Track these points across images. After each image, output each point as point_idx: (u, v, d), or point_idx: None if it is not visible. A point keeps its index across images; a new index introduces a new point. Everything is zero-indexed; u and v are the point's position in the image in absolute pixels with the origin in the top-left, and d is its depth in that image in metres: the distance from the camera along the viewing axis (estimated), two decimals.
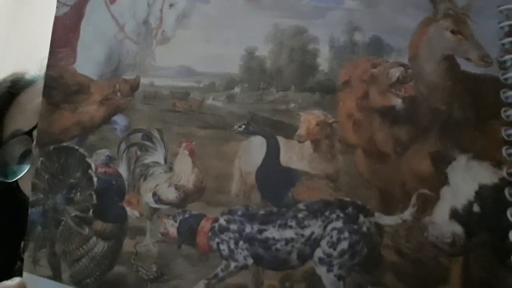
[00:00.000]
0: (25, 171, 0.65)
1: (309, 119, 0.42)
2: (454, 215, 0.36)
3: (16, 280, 0.47)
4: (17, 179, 0.66)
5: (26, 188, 0.58)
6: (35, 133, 0.62)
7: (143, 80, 0.48)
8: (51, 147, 0.50)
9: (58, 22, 0.52)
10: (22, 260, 0.51)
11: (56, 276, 0.48)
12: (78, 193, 0.48)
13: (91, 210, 0.47)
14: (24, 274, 0.49)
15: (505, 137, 0.36)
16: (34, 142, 0.53)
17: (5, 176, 0.65)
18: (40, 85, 0.56)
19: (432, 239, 0.37)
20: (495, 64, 0.38)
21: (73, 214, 0.48)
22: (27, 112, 0.66)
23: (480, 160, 0.37)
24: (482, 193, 0.36)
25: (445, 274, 0.37)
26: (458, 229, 0.36)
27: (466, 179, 0.37)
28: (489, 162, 0.36)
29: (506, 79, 0.37)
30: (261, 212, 0.42)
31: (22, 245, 0.51)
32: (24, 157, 0.67)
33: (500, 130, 0.37)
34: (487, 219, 0.36)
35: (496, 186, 0.36)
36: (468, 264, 0.36)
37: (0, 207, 0.48)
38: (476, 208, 0.36)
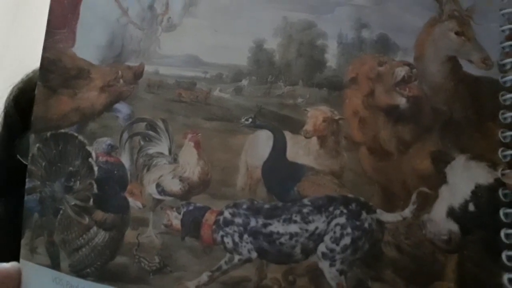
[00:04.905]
0: None
1: (316, 115, 0.50)
2: (451, 213, 0.45)
3: (13, 263, 0.54)
4: None
5: None
6: None
7: (148, 68, 0.54)
8: (48, 134, 0.56)
9: (54, 0, 0.57)
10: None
11: (54, 265, 0.54)
12: (78, 182, 0.55)
13: (91, 200, 0.54)
14: (21, 261, 0.54)
15: (502, 139, 0.44)
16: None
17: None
18: None
19: (430, 236, 0.45)
20: (495, 67, 0.46)
21: (73, 203, 0.55)
22: None
23: (478, 161, 0.45)
24: (478, 193, 0.44)
25: (441, 270, 0.45)
26: (454, 227, 0.44)
27: (464, 179, 0.45)
28: (486, 163, 0.44)
29: (505, 82, 0.45)
30: (266, 206, 0.49)
31: None
32: None
33: (497, 132, 0.45)
34: (481, 218, 0.44)
35: (491, 187, 0.44)
36: (462, 261, 0.44)
37: (19, 189, 0.58)
38: (471, 207, 0.44)
